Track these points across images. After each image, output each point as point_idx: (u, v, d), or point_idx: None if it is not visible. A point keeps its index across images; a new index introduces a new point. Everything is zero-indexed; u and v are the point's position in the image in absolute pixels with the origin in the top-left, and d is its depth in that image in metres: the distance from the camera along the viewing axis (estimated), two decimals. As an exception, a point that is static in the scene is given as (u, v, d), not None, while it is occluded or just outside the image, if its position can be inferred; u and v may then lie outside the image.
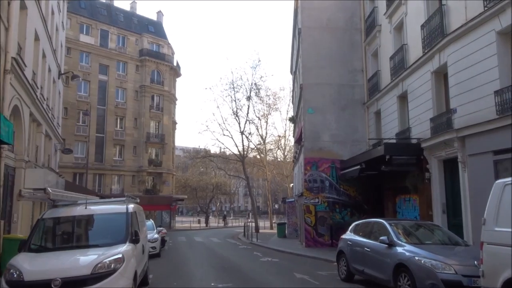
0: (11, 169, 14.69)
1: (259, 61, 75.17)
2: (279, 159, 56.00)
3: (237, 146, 45.42)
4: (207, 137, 66.98)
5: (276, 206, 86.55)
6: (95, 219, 8.94)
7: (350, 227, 12.67)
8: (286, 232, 34.44)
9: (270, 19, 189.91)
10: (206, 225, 59.10)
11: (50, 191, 8.02)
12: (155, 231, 20.21)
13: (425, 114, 16.03)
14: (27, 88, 15.60)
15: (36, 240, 8.33)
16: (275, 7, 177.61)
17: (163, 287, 11.43)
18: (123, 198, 9.99)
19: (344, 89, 23.82)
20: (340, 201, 22.59)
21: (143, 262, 9.66)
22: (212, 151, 55.09)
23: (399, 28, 19.18)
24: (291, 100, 45.88)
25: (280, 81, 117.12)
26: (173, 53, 55.68)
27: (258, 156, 51.39)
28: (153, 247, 18.28)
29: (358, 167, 18.86)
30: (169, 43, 54.97)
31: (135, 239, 8.36)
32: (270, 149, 51.84)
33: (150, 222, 20.76)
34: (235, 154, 45.19)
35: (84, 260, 7.34)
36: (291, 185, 44.53)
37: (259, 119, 46.36)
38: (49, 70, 22.43)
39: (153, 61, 51.34)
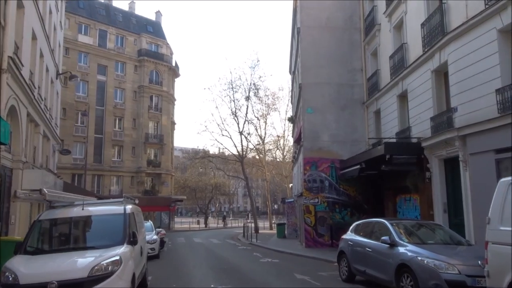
0: (8, 170, 14.55)
1: (258, 61, 74.99)
2: (278, 159, 55.90)
3: (236, 147, 45.29)
4: (206, 138, 67.68)
5: (276, 206, 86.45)
6: (92, 220, 8.80)
7: (351, 227, 12.54)
8: (285, 232, 34.34)
9: (269, 19, 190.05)
10: (206, 226, 58.94)
11: (46, 192, 7.88)
12: (154, 232, 20.10)
13: (425, 113, 15.92)
14: (24, 88, 15.45)
15: (32, 242, 8.18)
16: (274, 7, 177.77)
17: (162, 288, 11.32)
18: (121, 199, 9.85)
19: (343, 88, 23.71)
20: (340, 201, 22.48)
21: (142, 264, 9.52)
22: (211, 152, 54.93)
23: (399, 27, 19.08)
24: (290, 100, 45.82)
25: (279, 81, 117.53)
26: (171, 53, 55.54)
27: (257, 157, 51.25)
28: (152, 249, 18.17)
29: (358, 166, 18.76)
30: (167, 43, 54.82)
31: (133, 241, 8.20)
32: (269, 149, 51.75)
33: (148, 223, 20.64)
34: (234, 155, 45.04)
35: (81, 262, 7.19)
36: (290, 185, 44.43)
37: (258, 119, 46.28)
38: (47, 70, 22.28)
39: (152, 61, 51.19)
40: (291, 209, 35.07)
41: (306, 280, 12.18)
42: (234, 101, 44.03)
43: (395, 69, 18.87)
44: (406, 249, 9.05)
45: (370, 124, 22.78)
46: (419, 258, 8.50)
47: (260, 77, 56.64)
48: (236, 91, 43.71)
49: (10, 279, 6.73)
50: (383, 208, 20.35)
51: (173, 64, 55.09)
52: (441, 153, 14.63)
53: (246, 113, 43.06)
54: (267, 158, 51.16)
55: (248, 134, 44.99)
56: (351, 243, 11.70)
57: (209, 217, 68.60)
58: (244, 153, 43.73)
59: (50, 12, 22.70)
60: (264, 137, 47.58)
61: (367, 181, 21.48)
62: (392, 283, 9.20)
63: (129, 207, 9.20)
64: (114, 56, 48.53)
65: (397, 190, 18.86)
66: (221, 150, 55.24)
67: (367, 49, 23.45)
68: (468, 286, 7.77)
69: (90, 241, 8.39)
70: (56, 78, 26.42)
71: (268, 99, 46.95)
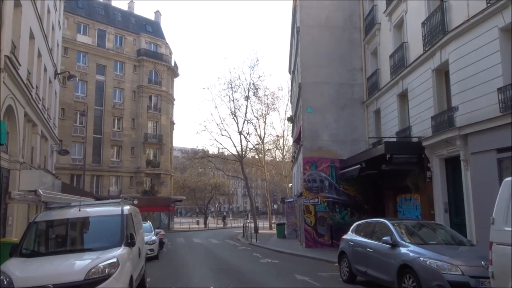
0: (5, 171, 14.43)
1: (257, 60, 74.56)
2: (277, 159, 55.82)
3: (235, 146, 45.15)
4: (205, 138, 67.38)
5: (275, 206, 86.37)
6: (89, 221, 8.65)
7: (352, 227, 12.42)
8: (285, 232, 34.24)
9: (268, 19, 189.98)
10: (205, 226, 58.83)
11: (41, 193, 7.72)
12: (153, 233, 19.99)
13: (426, 112, 15.81)
14: (22, 88, 15.34)
15: (28, 244, 8.03)
16: (273, 6, 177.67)
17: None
18: (118, 200, 9.72)
19: (343, 88, 23.61)
20: (340, 201, 22.38)
21: (140, 266, 9.39)
22: (210, 152, 54.85)
23: (399, 26, 18.97)
24: (289, 100, 45.72)
25: (278, 81, 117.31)
26: (171, 53, 55.42)
27: (257, 156, 51.15)
28: (151, 249, 18.06)
29: (358, 166, 18.66)
30: (166, 43, 54.69)
31: (130, 242, 8.07)
32: (269, 149, 51.65)
33: (147, 224, 20.55)
34: (234, 155, 44.97)
35: (77, 265, 7.04)
36: (290, 185, 44.33)
37: (257, 119, 46.15)
38: (45, 70, 22.17)
39: (151, 61, 51.05)
40: (291, 209, 34.97)
41: (307, 281, 12.06)
42: (233, 101, 43.87)
43: (395, 68, 18.76)
44: (408, 250, 8.94)
45: (370, 123, 22.67)
46: (421, 258, 8.38)
47: (259, 76, 56.61)
48: (235, 91, 43.68)
49: (5, 282, 6.58)
50: (384, 208, 20.25)
51: (172, 64, 54.96)
52: (442, 152, 14.52)
53: (246, 113, 43.02)
54: (266, 158, 51.05)
55: (248, 134, 45.00)
56: (352, 243, 11.59)
57: (209, 217, 68.52)
58: (243, 153, 43.67)
59: (48, 11, 22.59)
60: (264, 137, 47.52)
61: (367, 181, 21.39)
62: (394, 284, 9.08)
63: (126, 208, 9.07)
64: (113, 56, 48.39)
65: (398, 189, 18.76)
66: (220, 150, 55.13)
67: (367, 48, 23.34)
68: (471, 287, 7.65)
69: (86, 243, 8.25)
70: (55, 78, 26.31)
71: (267, 98, 46.92)
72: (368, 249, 10.53)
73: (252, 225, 37.61)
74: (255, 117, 46.01)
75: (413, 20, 17.11)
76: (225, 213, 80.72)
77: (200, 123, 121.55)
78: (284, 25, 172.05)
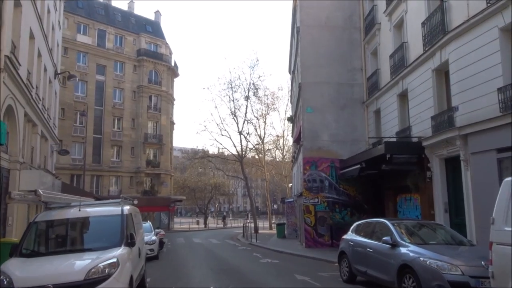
0: (5, 171, 14.43)
1: (257, 60, 74.56)
2: (277, 159, 55.81)
3: (235, 146, 45.16)
4: (205, 138, 67.37)
5: (275, 206, 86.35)
6: (89, 221, 8.64)
7: (352, 227, 12.42)
8: (285, 232, 34.23)
9: (268, 19, 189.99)
10: (205, 226, 58.82)
11: (41, 193, 7.70)
12: (153, 233, 19.98)
13: (426, 112, 15.81)
14: (22, 88, 15.34)
15: (28, 244, 8.03)
16: (273, 6, 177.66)
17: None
18: (118, 200, 9.71)
19: (343, 88, 23.61)
20: (340, 201, 22.37)
21: (140, 266, 9.38)
22: (210, 152, 54.86)
23: (399, 26, 18.97)
24: (289, 100, 45.72)
25: (278, 81, 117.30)
26: (171, 53, 55.41)
27: (257, 156, 51.15)
28: (151, 249, 18.06)
29: (358, 166, 18.66)
30: (166, 43, 54.68)
31: (130, 242, 8.07)
32: (269, 149, 51.65)
33: (147, 224, 20.55)
34: (234, 155, 44.97)
35: (77, 265, 7.03)
36: (290, 185, 44.33)
37: (257, 119, 46.15)
38: (45, 70, 22.16)
39: (151, 61, 51.04)
40: (290, 209, 34.96)
41: (307, 281, 12.05)
42: (233, 101, 43.84)
43: (395, 68, 18.76)
44: (408, 250, 8.93)
45: (370, 123, 22.67)
46: (422, 258, 8.37)
47: (259, 76, 56.63)
48: (235, 91, 43.68)
49: (5, 282, 6.58)
50: (383, 208, 20.25)
51: (172, 64, 54.95)
52: (442, 152, 14.52)
53: (246, 113, 43.03)
54: (266, 158, 51.06)
55: (248, 134, 45.00)
56: (352, 243, 11.58)
57: (209, 217, 68.51)
58: (243, 153, 43.66)
59: (48, 11, 22.59)
60: (264, 137, 47.52)
61: (367, 181, 21.39)
62: (394, 284, 9.07)
63: (126, 208, 9.07)
64: (113, 56, 48.39)
65: (398, 189, 18.76)
66: (220, 150, 55.13)
67: (367, 48, 23.33)
68: (471, 287, 7.64)
69: (86, 243, 8.24)
70: (55, 78, 26.31)
71: (267, 98, 46.92)
72: (368, 249, 10.52)
73: (252, 225, 37.61)
74: (255, 117, 46.06)
75: (413, 20, 17.11)
76: (225, 213, 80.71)
77: (200, 123, 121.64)
78: (284, 25, 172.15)
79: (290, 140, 46.80)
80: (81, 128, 42.04)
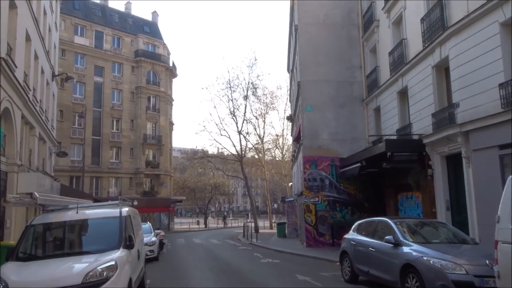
0: (3, 174, 14.32)
1: (256, 60, 74.82)
2: (277, 159, 55.73)
3: (234, 146, 45.12)
4: (204, 138, 67.94)
5: (275, 205, 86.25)
6: (87, 224, 8.51)
7: (353, 227, 12.29)
8: (286, 231, 34.13)
9: (266, 18, 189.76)
10: (205, 226, 58.73)
11: (37, 195, 7.58)
12: (153, 234, 19.84)
13: (426, 109, 15.69)
14: (18, 90, 15.21)
15: (25, 248, 7.90)
16: (271, 5, 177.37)
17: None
18: (116, 202, 9.58)
19: (342, 86, 23.49)
20: (341, 200, 22.27)
21: (139, 268, 9.25)
22: (209, 152, 54.83)
23: (398, 22, 18.84)
24: (288, 99, 45.64)
25: (277, 80, 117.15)
26: (168, 54, 55.27)
27: (256, 156, 51.09)
28: (151, 251, 17.95)
29: (359, 164, 18.55)
30: (164, 44, 54.54)
31: (129, 244, 7.94)
32: (268, 149, 51.60)
33: (147, 225, 20.46)
34: (233, 154, 44.89)
35: (75, 268, 6.90)
36: (290, 184, 44.24)
37: (256, 118, 46.12)
38: (42, 72, 22.03)
39: (149, 62, 50.91)
40: (291, 208, 34.87)
41: (308, 281, 11.93)
42: (232, 100, 43.61)
43: (394, 66, 18.63)
44: (411, 249, 8.80)
45: (370, 121, 22.55)
46: (425, 258, 8.24)
47: (258, 76, 56.83)
48: (234, 91, 43.74)
49: (1, 287, 6.46)
50: (384, 206, 20.13)
51: (171, 64, 54.84)
52: (443, 149, 14.41)
53: (245, 112, 43.02)
54: (266, 157, 51.00)
55: (247, 133, 45.02)
56: (354, 242, 11.45)
57: (209, 217, 68.41)
58: (243, 152, 43.58)
59: (45, 13, 22.47)
60: (263, 136, 47.50)
61: (368, 179, 21.28)
62: (397, 284, 8.94)
63: (125, 209, 8.94)
64: (111, 57, 48.26)
65: (398, 187, 18.64)
66: (220, 150, 55.12)
67: (366, 46, 23.21)
68: (476, 287, 7.53)
69: (84, 246, 8.12)
70: (52, 80, 26.18)
71: (266, 98, 46.84)
72: (370, 248, 10.39)
73: (253, 224, 37.56)
74: (254, 116, 46.05)
75: (412, 17, 16.98)
76: (225, 213, 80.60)
77: (199, 123, 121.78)
78: (282, 23, 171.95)
79: (289, 139, 46.72)
80: (79, 130, 41.87)
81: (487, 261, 7.54)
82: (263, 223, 51.07)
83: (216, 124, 48.93)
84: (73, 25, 45.36)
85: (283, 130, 50.47)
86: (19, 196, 8.71)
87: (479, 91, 12.29)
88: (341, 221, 21.57)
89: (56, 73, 28.18)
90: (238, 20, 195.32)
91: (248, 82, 42.50)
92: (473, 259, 8.04)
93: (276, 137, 51.98)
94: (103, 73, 47.21)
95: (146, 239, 16.05)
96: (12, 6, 14.79)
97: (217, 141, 72.51)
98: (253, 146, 47.00)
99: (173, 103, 57.03)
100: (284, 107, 49.72)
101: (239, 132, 42.41)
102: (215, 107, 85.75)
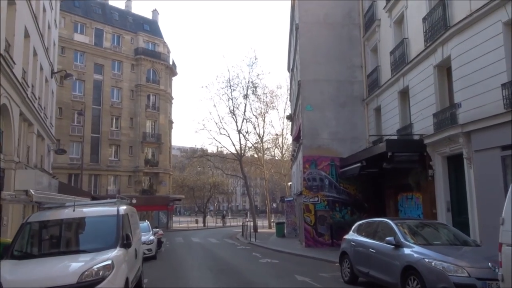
0: (1, 171, 14.19)
1: (256, 58, 74.14)
2: (276, 158, 55.64)
3: (234, 145, 45.21)
4: (204, 136, 67.92)
5: (274, 205, 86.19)
6: (84, 222, 8.39)
7: (353, 227, 12.16)
8: (285, 231, 34.02)
9: (266, 16, 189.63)
10: (204, 225, 58.63)
11: (33, 193, 7.44)
12: (151, 232, 19.73)
13: (427, 109, 15.58)
14: (17, 87, 15.10)
15: (20, 246, 7.78)
16: (271, 4, 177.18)
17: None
18: (114, 200, 9.46)
19: (343, 85, 23.37)
20: (340, 200, 22.15)
21: (136, 268, 9.13)
22: (209, 150, 54.72)
23: (399, 22, 18.72)
24: (288, 98, 45.53)
25: (277, 79, 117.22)
26: (168, 52, 55.14)
27: (256, 155, 50.99)
28: (149, 249, 17.84)
29: (359, 164, 18.43)
30: (164, 42, 54.42)
31: (126, 243, 7.82)
32: (268, 148, 51.50)
33: (145, 224, 20.35)
34: (233, 153, 44.81)
35: (70, 267, 6.77)
36: (289, 183, 44.14)
37: (256, 117, 46.01)
38: (41, 69, 21.91)
39: (149, 60, 50.78)
40: (290, 208, 34.77)
41: (307, 282, 11.81)
42: (232, 99, 43.46)
43: (395, 65, 18.51)
44: (412, 251, 8.67)
45: (370, 121, 22.43)
46: (426, 260, 8.11)
47: (258, 75, 56.77)
48: (234, 89, 43.51)
49: (-5, 286, 6.34)
50: (384, 207, 20.03)
51: (170, 62, 54.72)
52: (445, 150, 14.29)
53: (244, 111, 42.90)
54: (265, 156, 50.89)
55: (247, 132, 44.90)
56: (354, 243, 11.33)
57: (208, 216, 68.30)
58: (242, 151, 43.49)
59: (44, 10, 22.34)
60: (263, 136, 47.39)
61: (368, 179, 21.15)
62: (397, 286, 8.82)
63: (122, 208, 8.82)
64: (111, 55, 48.15)
65: (399, 188, 18.52)
66: (219, 149, 54.96)
67: (367, 45, 23.09)
68: (478, 290, 7.40)
69: (81, 245, 8.00)
70: (51, 77, 26.04)
71: (266, 97, 46.71)
72: (370, 249, 10.26)
73: (251, 224, 37.48)
74: (254, 115, 45.93)
75: (413, 16, 16.86)
76: (224, 212, 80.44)
77: (199, 121, 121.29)
78: (282, 23, 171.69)
79: (289, 139, 46.62)
80: (79, 128, 41.73)
81: (489, 264, 7.42)
82: (262, 223, 50.95)
83: (216, 123, 49.04)
84: (73, 23, 45.24)
85: (282, 130, 50.47)
86: (14, 194, 8.55)
87: (481, 91, 12.17)
88: (340, 221, 21.46)
89: (55, 70, 28.05)
90: (238, 19, 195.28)
91: (248, 81, 42.47)
92: (475, 261, 7.91)
93: (275, 137, 51.99)
94: (103, 71, 47.10)
95: (144, 238, 15.95)
96: (11, 2, 14.67)
97: (216, 140, 72.27)
98: (253, 145, 46.96)
99: (173, 101, 56.98)
100: (284, 106, 49.66)
101: (239, 131, 42.38)
102: (214, 105, 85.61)
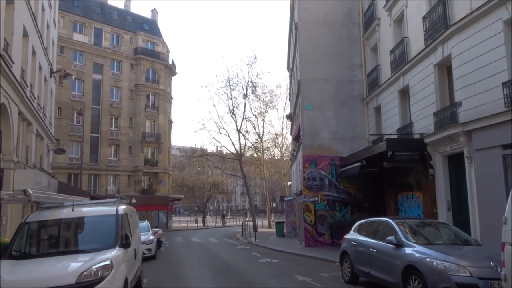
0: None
1: (255, 58, 74.53)
2: (276, 158, 55.58)
3: (234, 145, 45.18)
4: (203, 136, 67.32)
5: (274, 204, 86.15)
6: (82, 222, 8.32)
7: (354, 227, 12.10)
8: (284, 231, 33.96)
9: (266, 16, 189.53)
10: (204, 225, 58.58)
11: (31, 192, 7.38)
12: (150, 232, 19.66)
13: (428, 108, 15.52)
14: (15, 86, 15.03)
15: (18, 246, 7.72)
16: (271, 3, 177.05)
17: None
18: (113, 200, 9.40)
19: (342, 84, 23.31)
20: (340, 199, 22.10)
21: (136, 268, 9.07)
22: (208, 150, 54.65)
23: (399, 20, 18.67)
24: (288, 98, 45.49)
25: (276, 78, 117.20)
26: (168, 51, 55.06)
27: (255, 155, 50.95)
28: (148, 249, 17.78)
29: (359, 164, 18.38)
30: (164, 41, 54.33)
31: (125, 243, 7.76)
32: (267, 148, 51.45)
33: (145, 223, 20.28)
34: (232, 153, 44.76)
35: (69, 267, 6.70)
36: (289, 183, 44.11)
37: (255, 117, 45.97)
38: (40, 68, 21.85)
39: (148, 59, 50.70)
40: (290, 208, 34.72)
41: (308, 282, 11.75)
42: (231, 99, 43.39)
43: (395, 64, 18.46)
44: (414, 250, 8.61)
45: (370, 120, 22.38)
46: (428, 259, 8.05)
47: (257, 74, 56.72)
48: (233, 89, 43.51)
49: (-7, 286, 6.27)
50: (385, 206, 19.98)
51: (170, 62, 54.64)
52: (445, 149, 14.24)
53: (244, 111, 42.87)
54: (265, 156, 50.84)
55: (246, 132, 44.81)
56: (354, 243, 11.26)
57: (207, 216, 68.22)
58: (242, 151, 43.44)
59: (43, 9, 22.27)
60: (262, 135, 47.34)
61: (368, 179, 21.10)
62: (398, 286, 8.76)
63: (122, 207, 8.77)
64: (110, 55, 48.06)
65: (399, 187, 18.47)
66: (219, 149, 54.93)
67: (367, 44, 23.03)
68: (480, 289, 7.34)
69: (79, 245, 7.93)
70: (50, 77, 25.98)
71: (266, 96, 46.68)
72: (371, 249, 10.20)
73: (251, 223, 37.42)
74: (253, 115, 45.88)
75: (413, 15, 16.81)
76: (224, 212, 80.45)
77: (198, 121, 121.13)
78: (282, 22, 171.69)
79: (288, 138, 46.59)
80: (78, 127, 41.67)
81: (491, 263, 7.37)
82: (261, 222, 50.94)
83: (215, 123, 49.05)
84: (72, 22, 45.16)
85: (282, 129, 50.48)
86: (12, 193, 8.48)
87: (482, 90, 12.11)
88: (340, 221, 21.41)
89: (55, 70, 27.98)
90: (238, 18, 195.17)
91: (248, 81, 42.46)
92: (477, 260, 7.85)
93: (275, 136, 51.95)
94: (102, 70, 47.03)
95: (143, 238, 15.89)
96: (9, 1, 14.61)
97: (216, 140, 72.09)
98: (252, 144, 46.91)
99: (172, 101, 56.90)
100: (283, 106, 49.61)
101: (238, 131, 42.34)
102: (214, 105, 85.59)
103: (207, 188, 64.24)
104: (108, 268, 6.71)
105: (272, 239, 30.97)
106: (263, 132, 47.38)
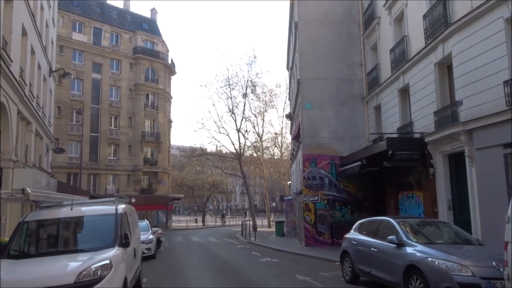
0: (-2, 169, 14.10)
1: (255, 57, 74.42)
2: (276, 157, 55.56)
3: (233, 144, 45.09)
4: (203, 135, 67.35)
5: (274, 204, 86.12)
6: (81, 221, 8.26)
7: (354, 226, 12.04)
8: (284, 230, 33.93)
9: (265, 15, 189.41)
10: (203, 224, 58.56)
11: (30, 191, 7.32)
12: (150, 231, 19.61)
13: (428, 107, 15.47)
14: (14, 85, 14.97)
15: (17, 245, 7.66)
16: (270, 2, 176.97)
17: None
18: (112, 199, 9.34)
19: (342, 83, 23.25)
20: (340, 199, 22.06)
21: (135, 267, 9.02)
22: (208, 150, 54.59)
23: (400, 19, 18.62)
24: (287, 97, 45.45)
25: (276, 78, 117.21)
26: (167, 51, 55.00)
27: (255, 154, 50.90)
28: (148, 249, 17.73)
29: (359, 163, 18.33)
30: (163, 41, 54.25)
31: (125, 243, 7.71)
32: (267, 147, 51.42)
33: (144, 223, 20.23)
34: (232, 152, 44.72)
35: (68, 267, 6.64)
36: (289, 182, 44.08)
37: (255, 116, 45.92)
38: (39, 67, 21.78)
39: (148, 59, 50.63)
40: (290, 207, 34.68)
41: (308, 281, 11.70)
42: (231, 98, 43.38)
43: (396, 63, 18.41)
44: (415, 249, 8.54)
45: (370, 119, 22.32)
46: (429, 259, 7.98)
47: (257, 74, 56.73)
48: (233, 88, 43.50)
49: (-9, 285, 6.21)
50: (385, 206, 19.93)
51: (169, 61, 54.59)
52: (446, 148, 14.19)
53: (244, 110, 42.86)
54: (265, 155, 50.79)
55: (246, 131, 44.79)
56: (355, 242, 11.20)
57: (207, 215, 68.19)
58: (241, 150, 43.39)
59: (42, 8, 22.20)
60: (262, 135, 47.30)
61: (368, 178, 21.08)
62: (399, 285, 8.69)
63: (121, 206, 8.71)
64: (109, 54, 47.98)
65: (399, 187, 18.42)
66: (218, 148, 54.88)
67: (367, 43, 22.97)
68: (482, 289, 7.28)
69: (78, 244, 7.87)
70: (49, 76, 25.90)
71: (265, 96, 46.67)
72: (372, 248, 10.14)
73: (251, 223, 37.38)
74: (253, 114, 45.85)
75: (414, 13, 16.75)
76: (223, 211, 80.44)
77: (198, 120, 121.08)
78: (281, 21, 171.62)
79: (288, 138, 46.56)
80: (77, 127, 41.61)
81: (493, 263, 7.31)
82: (261, 222, 50.93)
83: (215, 122, 49.16)
84: (71, 22, 45.08)
85: (282, 129, 50.46)
86: (10, 192, 8.42)
87: (483, 88, 12.06)
88: (340, 220, 21.37)
89: (54, 69, 27.91)
90: (237, 17, 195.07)
91: (247, 80, 42.42)
92: (479, 260, 7.79)
93: (275, 136, 51.91)
94: (101, 69, 46.97)
95: (143, 237, 15.82)
96: (8, 0, 14.55)
97: (215, 139, 71.86)
98: (252, 144, 46.85)
99: (172, 100, 56.83)
100: (283, 105, 49.68)
101: (238, 130, 42.32)
102: (213, 104, 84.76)
103: (207, 187, 64.24)
104: (107, 267, 6.65)
105: (272, 238, 30.93)
106: (263, 131, 47.42)
